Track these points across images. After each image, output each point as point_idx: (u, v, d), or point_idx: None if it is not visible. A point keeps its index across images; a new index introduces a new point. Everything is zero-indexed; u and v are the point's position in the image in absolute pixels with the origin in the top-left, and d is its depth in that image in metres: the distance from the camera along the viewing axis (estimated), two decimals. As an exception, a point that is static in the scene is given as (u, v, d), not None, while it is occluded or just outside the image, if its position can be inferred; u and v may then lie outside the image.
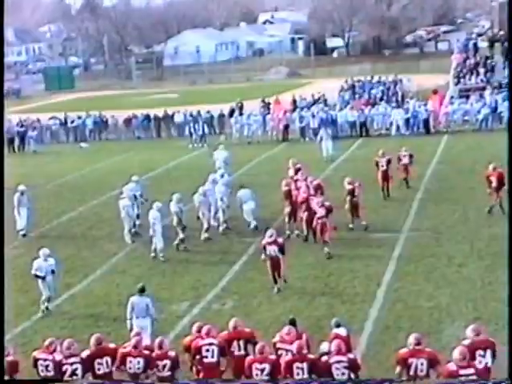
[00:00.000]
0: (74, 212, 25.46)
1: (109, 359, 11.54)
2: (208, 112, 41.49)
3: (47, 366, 11.46)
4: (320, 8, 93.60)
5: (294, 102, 42.98)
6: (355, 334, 13.50)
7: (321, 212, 18.98)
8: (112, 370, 11.50)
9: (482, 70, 41.61)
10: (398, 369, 10.88)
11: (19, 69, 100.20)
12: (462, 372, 10.22)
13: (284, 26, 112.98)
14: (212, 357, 11.58)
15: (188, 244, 20.16)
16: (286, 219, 20.85)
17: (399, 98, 42.73)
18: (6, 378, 11.04)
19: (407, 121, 37.17)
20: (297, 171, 22.66)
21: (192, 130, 38.15)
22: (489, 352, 10.82)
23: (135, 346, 11.49)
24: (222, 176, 22.44)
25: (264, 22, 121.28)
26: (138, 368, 11.35)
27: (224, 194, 21.47)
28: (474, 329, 11.01)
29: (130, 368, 11.39)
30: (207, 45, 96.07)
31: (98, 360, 11.51)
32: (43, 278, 16.21)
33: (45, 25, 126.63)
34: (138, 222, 22.07)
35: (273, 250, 16.53)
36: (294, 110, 40.27)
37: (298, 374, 10.86)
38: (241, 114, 40.56)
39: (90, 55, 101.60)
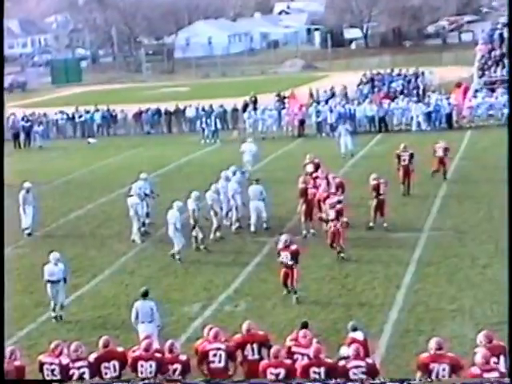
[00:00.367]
0: (82, 210, 25.56)
1: (116, 363, 11.53)
2: (221, 106, 41.52)
3: (53, 370, 11.48)
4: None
5: (312, 95, 42.95)
6: (374, 338, 13.49)
7: (331, 215, 18.88)
8: (119, 374, 11.49)
9: (507, 62, 41.41)
10: (418, 374, 10.85)
11: (24, 61, 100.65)
12: (486, 375, 10.20)
13: (300, 16, 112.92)
14: (219, 362, 11.58)
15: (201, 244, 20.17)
16: (302, 218, 20.83)
17: (420, 92, 42.62)
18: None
19: (429, 115, 37.08)
20: (316, 167, 22.63)
21: (204, 125, 38.20)
22: (502, 358, 10.79)
23: (146, 349, 11.49)
24: (235, 173, 22.44)
25: (279, 13, 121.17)
26: (150, 372, 11.32)
27: (236, 191, 21.48)
28: (486, 335, 10.96)
29: (141, 372, 11.35)
30: (220, 36, 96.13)
31: (105, 364, 11.51)
32: (57, 282, 15.92)
33: (51, 15, 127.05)
34: (147, 221, 22.13)
35: (285, 256, 16.27)
36: (310, 104, 40.24)
37: (314, 379, 10.85)
38: (255, 108, 40.57)
39: (98, 47, 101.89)
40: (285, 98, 41.93)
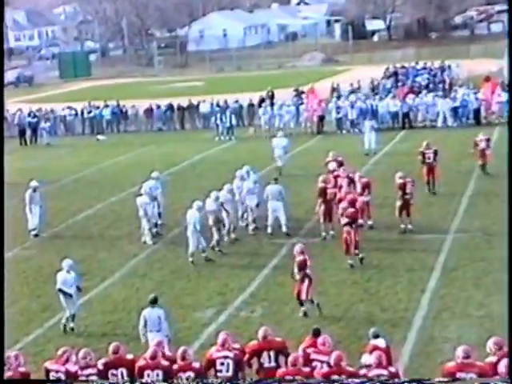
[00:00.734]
0: (91, 210, 25.65)
1: (124, 371, 11.56)
2: (236, 102, 41.55)
3: (59, 378, 11.49)
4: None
5: (334, 90, 42.88)
6: (397, 345, 13.45)
7: (342, 220, 18.81)
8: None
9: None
10: (444, 383, 10.81)
11: (31, 54, 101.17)
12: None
13: (319, 7, 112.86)
14: (227, 371, 11.55)
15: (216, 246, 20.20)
16: (321, 219, 20.81)
17: (447, 86, 42.50)
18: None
19: (455, 111, 36.94)
20: (339, 165, 22.58)
21: (219, 121, 38.22)
22: None
23: (152, 357, 11.53)
24: (248, 173, 22.39)
25: (298, 3, 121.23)
26: (158, 381, 11.31)
27: (251, 191, 21.44)
28: (496, 342, 10.90)
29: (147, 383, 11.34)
30: (235, 28, 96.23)
31: (113, 371, 11.55)
32: (70, 296, 15.81)
33: (59, 6, 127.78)
34: (159, 222, 22.18)
35: (309, 265, 15.98)
36: (330, 99, 40.19)
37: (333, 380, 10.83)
38: (272, 103, 40.53)
39: (108, 39, 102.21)
40: (303, 93, 41.91)
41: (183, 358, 11.45)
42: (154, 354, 11.54)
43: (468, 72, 48.00)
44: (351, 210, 18.60)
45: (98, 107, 43.74)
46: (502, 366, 10.33)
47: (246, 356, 11.87)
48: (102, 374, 11.51)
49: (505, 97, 37.14)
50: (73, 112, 43.98)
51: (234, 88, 53.14)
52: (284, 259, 19.28)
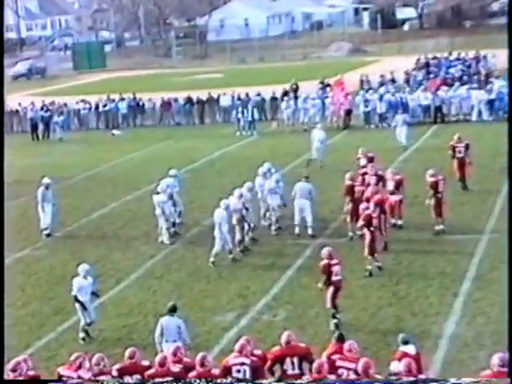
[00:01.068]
0: (105, 208, 25.77)
1: (139, 377, 11.60)
2: (258, 95, 41.58)
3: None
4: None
5: (362, 83, 42.77)
6: (427, 352, 13.43)
7: (359, 223, 18.82)
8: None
9: (507, 61, 40.85)
10: (478, 393, 10.78)
11: (44, 45, 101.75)
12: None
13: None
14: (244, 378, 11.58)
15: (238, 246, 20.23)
16: (348, 218, 20.78)
17: (482, 78, 42.28)
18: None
19: (491, 104, 36.76)
20: (369, 161, 22.51)
21: (240, 115, 38.26)
22: None
23: (161, 364, 11.56)
24: (270, 170, 22.36)
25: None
26: None
27: (274, 191, 21.42)
28: (501, 358, 10.82)
29: None
30: (258, 17, 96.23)
31: (128, 377, 11.57)
32: (84, 307, 15.69)
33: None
34: (178, 221, 22.24)
35: (338, 270, 15.65)
36: (357, 92, 40.12)
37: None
38: (296, 96, 40.52)
39: (124, 29, 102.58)
40: (329, 85, 41.85)
41: (202, 365, 11.47)
42: (162, 361, 11.58)
43: (505, 62, 47.66)
44: (367, 212, 18.47)
45: (113, 100, 43.91)
46: None
47: (268, 363, 11.88)
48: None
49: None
50: (87, 105, 44.19)
51: (256, 80, 53.17)
52: (309, 260, 19.28)
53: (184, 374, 11.42)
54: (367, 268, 18.10)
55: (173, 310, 13.94)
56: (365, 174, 21.59)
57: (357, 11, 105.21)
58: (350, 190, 20.84)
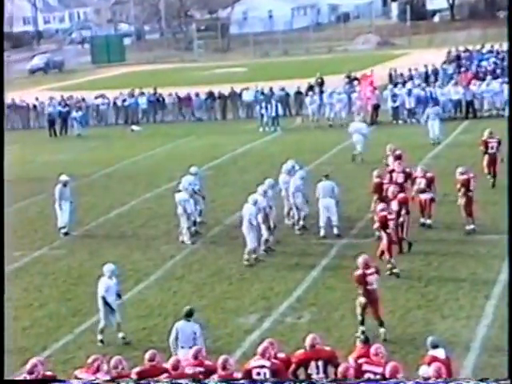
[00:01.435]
0: (124, 207, 25.86)
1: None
2: (282, 89, 41.56)
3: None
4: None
5: (391, 77, 42.62)
6: (458, 357, 13.37)
7: (375, 224, 18.84)
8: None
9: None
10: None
11: (62, 38, 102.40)
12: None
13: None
14: (263, 382, 11.59)
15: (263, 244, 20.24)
16: (376, 217, 20.71)
17: (515, 71, 41.92)
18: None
19: (525, 99, 36.51)
20: (397, 159, 22.46)
21: (263, 110, 38.25)
22: None
23: (174, 368, 11.58)
24: (293, 167, 22.31)
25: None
26: None
27: (298, 188, 21.40)
28: None
29: None
30: (282, 9, 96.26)
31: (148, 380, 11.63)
32: (111, 309, 15.67)
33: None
34: (199, 220, 22.27)
35: (374, 279, 15.28)
36: (385, 86, 40.00)
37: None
38: (321, 91, 40.46)
39: (144, 22, 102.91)
40: (356, 79, 41.75)
41: (224, 368, 11.50)
42: (176, 364, 11.61)
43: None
44: (382, 213, 18.36)
45: (132, 95, 44.06)
46: None
47: (292, 366, 11.89)
48: (137, 384, 11.61)
49: None
50: (106, 100, 44.38)
51: (280, 74, 53.16)
52: (334, 260, 19.28)
53: (195, 375, 11.47)
54: (394, 271, 18.02)
55: (189, 315, 13.81)
56: (393, 171, 21.53)
57: (385, 2, 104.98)
58: (378, 188, 20.77)
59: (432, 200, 20.93)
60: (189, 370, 11.76)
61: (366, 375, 11.42)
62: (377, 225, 18.64)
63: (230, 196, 25.03)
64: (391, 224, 18.32)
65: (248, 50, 76.51)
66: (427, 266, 18.50)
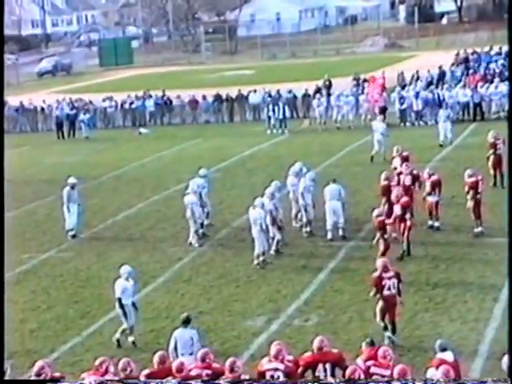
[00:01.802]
0: (132, 209, 25.88)
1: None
2: (290, 92, 41.55)
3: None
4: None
5: (400, 79, 42.53)
6: (466, 360, 13.34)
7: (396, 210, 18.83)
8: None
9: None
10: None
11: (70, 41, 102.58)
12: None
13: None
14: None
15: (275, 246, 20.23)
16: (389, 221, 20.67)
17: (524, 74, 41.84)
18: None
19: (534, 101, 36.43)
20: (404, 161, 22.43)
21: (271, 112, 38.26)
22: None
23: (179, 370, 11.59)
24: (301, 170, 22.30)
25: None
26: None
27: (308, 189, 21.39)
28: None
29: None
30: (289, 11, 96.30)
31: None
32: (125, 313, 15.64)
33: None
34: (206, 222, 22.27)
35: (392, 284, 15.01)
36: (392, 89, 39.96)
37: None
38: (329, 93, 40.46)
39: (152, 24, 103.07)
40: (365, 81, 41.72)
41: (232, 370, 11.48)
42: (180, 367, 11.61)
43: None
44: (380, 218, 18.34)
45: (140, 98, 44.09)
46: None
47: (300, 369, 11.88)
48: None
49: None
50: (113, 103, 44.42)
51: (288, 77, 53.17)
52: (342, 263, 19.25)
53: (200, 376, 11.47)
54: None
55: (186, 322, 13.78)
56: (400, 173, 21.51)
57: (393, 5, 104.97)
58: (386, 191, 20.76)
59: (436, 203, 20.90)
60: (196, 373, 11.76)
61: (374, 378, 11.40)
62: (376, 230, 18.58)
63: (238, 198, 25.03)
64: (389, 229, 18.28)
65: (256, 52, 76.54)
66: (435, 269, 18.47)
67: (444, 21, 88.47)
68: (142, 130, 41.57)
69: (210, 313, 16.88)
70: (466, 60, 45.14)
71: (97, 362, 11.90)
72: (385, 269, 15.01)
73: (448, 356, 11.72)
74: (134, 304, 15.80)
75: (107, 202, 27.00)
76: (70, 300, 18.32)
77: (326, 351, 11.98)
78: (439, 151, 30.60)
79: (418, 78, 42.13)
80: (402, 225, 19.06)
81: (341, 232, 20.98)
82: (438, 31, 77.52)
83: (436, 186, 20.81)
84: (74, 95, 47.52)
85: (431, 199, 20.74)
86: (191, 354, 13.23)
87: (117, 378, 11.51)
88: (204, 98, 43.00)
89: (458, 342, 14.43)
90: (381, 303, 15.01)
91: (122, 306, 15.60)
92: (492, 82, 39.13)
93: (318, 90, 41.12)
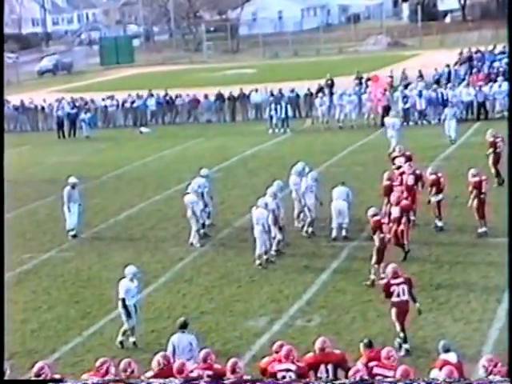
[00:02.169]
0: (133, 209, 25.88)
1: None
2: (292, 91, 41.53)
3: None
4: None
5: (404, 78, 42.52)
6: (470, 361, 13.31)
7: (394, 212, 18.82)
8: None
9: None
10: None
11: (70, 39, 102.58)
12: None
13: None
14: None
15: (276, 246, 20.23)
16: (386, 219, 20.68)
17: (528, 73, 41.83)
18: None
19: (538, 100, 36.42)
20: (407, 160, 22.41)
21: (273, 112, 38.25)
22: None
23: (179, 371, 11.60)
24: (304, 169, 22.30)
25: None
26: None
27: (311, 189, 21.38)
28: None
29: None
30: (291, 10, 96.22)
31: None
32: (128, 313, 15.64)
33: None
34: (207, 222, 22.28)
35: (402, 290, 14.83)
36: (396, 88, 39.95)
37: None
38: (331, 93, 40.44)
39: (153, 23, 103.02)
40: (368, 80, 41.70)
41: (233, 371, 11.49)
42: (180, 368, 11.62)
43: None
44: (376, 218, 18.21)
45: (141, 97, 44.08)
46: None
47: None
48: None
49: None
50: (114, 102, 44.39)
51: (290, 76, 53.15)
52: (344, 263, 19.25)
53: (200, 377, 11.48)
54: (370, 278, 17.76)
55: (183, 327, 13.71)
56: (403, 173, 21.49)
57: (396, 3, 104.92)
58: (389, 191, 20.75)
59: (437, 203, 20.89)
60: (197, 374, 11.78)
61: (377, 378, 11.40)
62: (372, 229, 18.43)
63: (240, 198, 25.05)
64: (385, 228, 18.22)
65: (257, 51, 76.52)
66: (438, 269, 18.47)
67: (447, 19, 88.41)
68: (144, 129, 41.55)
69: (212, 313, 16.89)
70: (470, 59, 45.10)
71: (98, 363, 11.89)
72: (394, 275, 14.81)
73: (451, 357, 11.71)
74: (134, 305, 15.81)
75: (108, 201, 27.01)
76: (70, 300, 18.34)
77: (328, 352, 11.99)
78: (443, 150, 30.59)
79: (421, 77, 42.09)
80: (399, 228, 18.96)
81: (344, 232, 20.99)
82: (441, 30, 77.47)
83: (434, 185, 20.79)
84: (74, 94, 47.55)
85: (433, 199, 20.75)
86: (189, 359, 13.06)
87: (118, 379, 11.53)
88: (206, 97, 43.01)
89: (462, 342, 14.44)
90: (393, 310, 14.88)
91: (125, 307, 15.60)
92: (496, 80, 39.10)
93: (321, 89, 41.11)
